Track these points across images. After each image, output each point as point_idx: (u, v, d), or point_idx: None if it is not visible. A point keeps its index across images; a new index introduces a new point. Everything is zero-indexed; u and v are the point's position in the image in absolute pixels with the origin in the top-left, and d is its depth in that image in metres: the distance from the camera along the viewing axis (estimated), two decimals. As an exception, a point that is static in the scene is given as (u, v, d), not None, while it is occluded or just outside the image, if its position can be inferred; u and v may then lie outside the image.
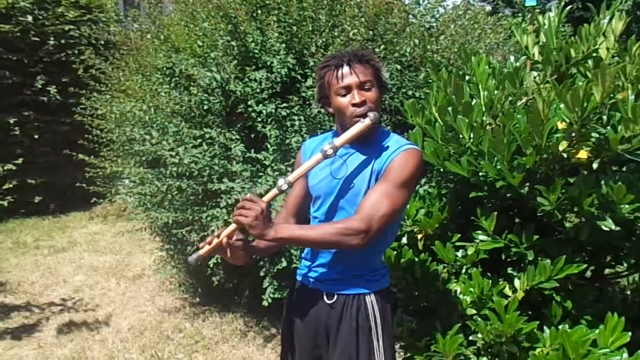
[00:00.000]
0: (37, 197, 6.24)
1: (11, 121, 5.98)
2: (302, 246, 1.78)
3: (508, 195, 1.91)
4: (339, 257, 1.62)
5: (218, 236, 1.52)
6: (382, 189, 1.50)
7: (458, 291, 1.99)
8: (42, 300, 3.97)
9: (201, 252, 1.54)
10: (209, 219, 2.93)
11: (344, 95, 1.53)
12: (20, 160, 6.06)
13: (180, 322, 3.59)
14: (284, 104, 2.92)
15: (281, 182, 1.49)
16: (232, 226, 1.50)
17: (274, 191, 1.50)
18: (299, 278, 1.75)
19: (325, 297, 1.63)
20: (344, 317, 1.61)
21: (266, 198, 1.47)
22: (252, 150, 2.91)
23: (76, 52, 6.25)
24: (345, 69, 1.51)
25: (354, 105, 1.52)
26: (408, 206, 2.16)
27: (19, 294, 4.08)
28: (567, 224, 1.76)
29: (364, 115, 1.51)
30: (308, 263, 1.71)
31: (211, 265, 3.05)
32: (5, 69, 6.00)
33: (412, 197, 2.22)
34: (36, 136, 6.21)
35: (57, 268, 4.66)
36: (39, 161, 6.28)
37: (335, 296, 1.62)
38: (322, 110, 1.70)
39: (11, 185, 6.03)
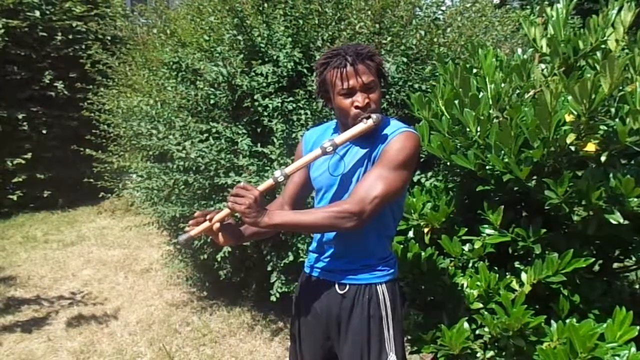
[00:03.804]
0: (46, 192, 6.29)
1: (20, 116, 6.02)
2: (297, 231, 1.79)
3: (515, 188, 1.90)
4: (346, 247, 1.62)
5: (210, 219, 1.53)
6: (377, 171, 1.50)
7: (465, 285, 1.99)
8: (51, 294, 4.01)
9: (191, 233, 1.56)
10: (215, 213, 2.93)
11: (346, 96, 1.52)
12: (29, 155, 6.10)
13: (187, 315, 3.61)
14: (290, 98, 2.92)
15: (278, 173, 1.50)
16: (225, 211, 1.52)
17: (270, 182, 1.51)
18: (307, 271, 1.76)
19: (337, 288, 1.64)
20: (355, 307, 1.62)
21: (261, 187, 1.49)
22: (259, 145, 2.92)
23: (83, 47, 6.27)
24: (349, 69, 1.50)
25: (357, 107, 1.52)
26: (415, 200, 2.16)
27: (29, 288, 4.12)
28: (575, 218, 1.75)
29: (367, 117, 1.51)
30: (316, 255, 1.72)
31: (218, 260, 3.06)
32: (14, 64, 6.03)
33: (417, 188, 2.23)
34: (44, 131, 6.24)
35: (66, 262, 4.70)
36: (48, 156, 6.32)
37: (348, 286, 1.63)
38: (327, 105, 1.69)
39: (20, 180, 6.08)
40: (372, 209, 1.47)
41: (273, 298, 2.94)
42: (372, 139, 1.56)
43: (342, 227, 1.47)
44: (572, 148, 1.71)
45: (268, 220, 1.44)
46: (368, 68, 1.51)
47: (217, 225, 1.53)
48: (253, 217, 1.43)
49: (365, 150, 1.58)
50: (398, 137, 1.52)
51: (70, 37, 6.35)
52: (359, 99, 1.51)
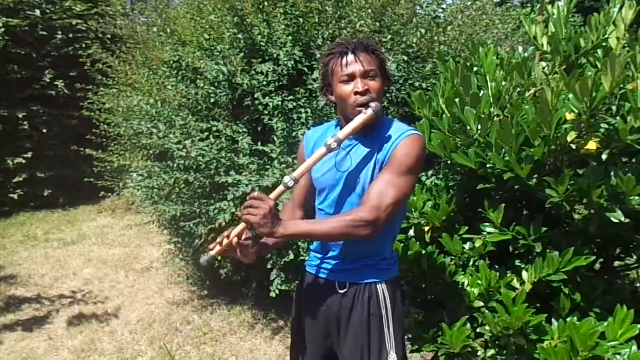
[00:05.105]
0: (47, 191, 6.29)
1: (20, 115, 6.02)
2: (312, 240, 1.79)
3: (516, 187, 1.90)
4: (350, 248, 1.62)
5: (228, 236, 1.52)
6: (387, 177, 1.50)
7: (466, 284, 1.99)
8: (52, 293, 4.01)
9: (212, 252, 1.55)
10: (216, 212, 2.93)
11: (347, 83, 1.53)
12: (29, 154, 6.11)
13: (188, 314, 3.61)
14: (291, 97, 2.91)
15: (287, 179, 1.49)
16: (241, 225, 1.51)
17: (281, 188, 1.50)
18: (309, 270, 1.75)
19: (337, 287, 1.64)
20: (355, 306, 1.62)
21: (273, 196, 1.48)
22: (259, 143, 2.91)
23: (84, 46, 6.27)
24: (350, 57, 1.51)
25: (356, 93, 1.51)
26: (416, 198, 2.16)
27: (30, 287, 4.12)
28: (576, 216, 1.75)
29: (366, 106, 1.51)
30: (319, 255, 1.71)
31: (219, 259, 3.06)
32: (14, 63, 6.03)
33: (418, 187, 2.23)
34: (45, 130, 6.24)
35: (67, 261, 4.70)
36: (48, 155, 6.33)
37: (348, 285, 1.63)
38: (329, 103, 1.68)
39: (21, 179, 6.09)
40: (386, 216, 1.47)
41: (273, 294, 2.94)
42: (376, 137, 1.56)
43: (357, 235, 1.46)
44: (573, 146, 1.71)
45: (283, 231, 1.43)
46: (370, 58, 1.52)
47: (236, 240, 1.52)
48: (269, 227, 1.41)
49: (369, 150, 1.57)
50: (405, 142, 1.52)
51: (71, 36, 6.35)
52: (359, 84, 1.51)
